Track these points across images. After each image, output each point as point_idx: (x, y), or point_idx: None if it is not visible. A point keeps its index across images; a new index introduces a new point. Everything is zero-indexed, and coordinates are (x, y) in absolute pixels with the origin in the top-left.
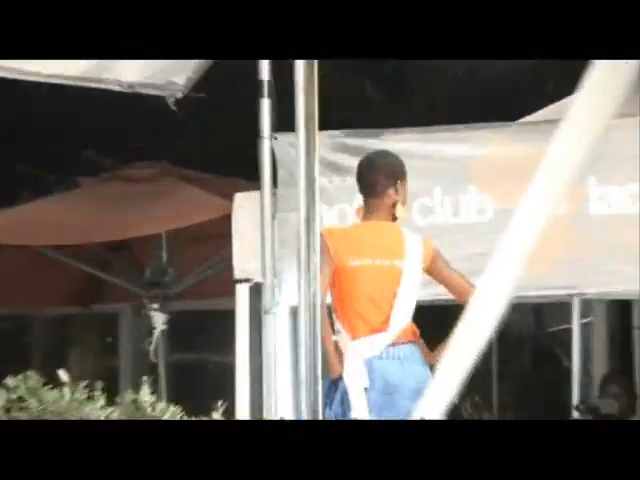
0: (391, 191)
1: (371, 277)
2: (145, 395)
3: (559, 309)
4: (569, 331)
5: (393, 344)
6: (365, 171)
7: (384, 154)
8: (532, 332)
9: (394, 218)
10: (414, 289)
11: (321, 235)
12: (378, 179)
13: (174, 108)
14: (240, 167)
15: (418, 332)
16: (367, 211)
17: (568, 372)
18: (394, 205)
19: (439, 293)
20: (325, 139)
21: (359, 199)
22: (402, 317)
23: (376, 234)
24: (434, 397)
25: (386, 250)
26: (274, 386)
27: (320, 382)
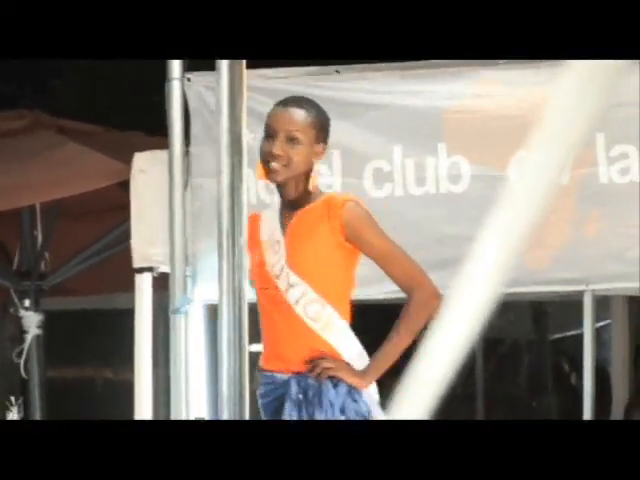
0: None
1: None
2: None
3: (566, 310)
4: (579, 338)
5: None
6: None
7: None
8: (530, 340)
9: None
10: None
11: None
12: None
13: None
14: (140, 118)
15: None
16: None
17: (577, 392)
18: None
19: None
20: (254, 81)
21: None
22: None
23: None
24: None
25: None
26: (185, 400)
27: (246, 400)
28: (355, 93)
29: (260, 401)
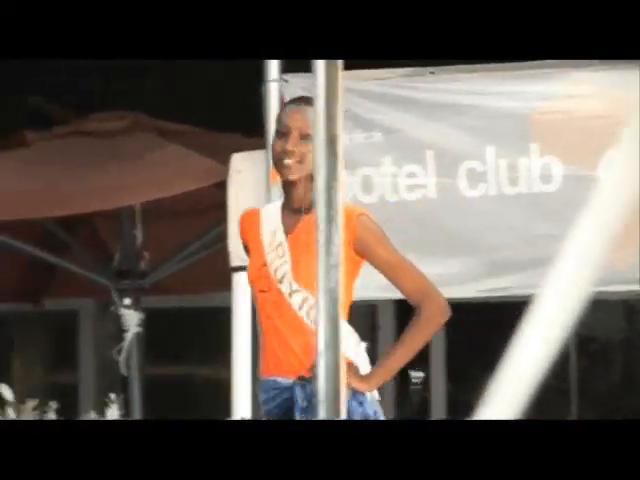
0: None
1: None
2: (113, 418)
3: None
4: None
5: None
6: None
7: None
8: (624, 338)
9: None
10: None
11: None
12: None
13: None
14: (238, 119)
15: None
16: None
17: None
18: None
19: None
20: (350, 82)
21: (389, 161)
22: None
23: None
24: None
25: None
26: None
27: (342, 398)
28: (449, 94)
29: (264, 408)
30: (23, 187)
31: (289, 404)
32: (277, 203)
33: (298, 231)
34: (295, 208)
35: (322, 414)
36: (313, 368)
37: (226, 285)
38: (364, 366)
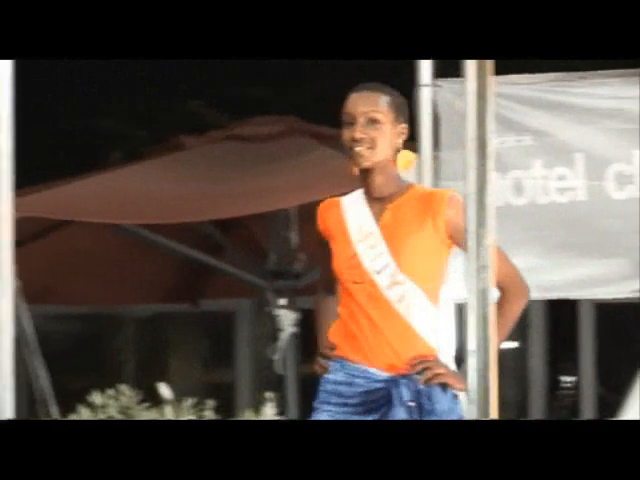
0: None
1: None
2: (269, 416)
3: None
4: None
5: None
6: None
7: None
8: None
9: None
10: None
11: None
12: None
13: None
14: None
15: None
16: None
17: None
18: None
19: None
20: (500, 87)
21: (539, 164)
22: None
23: None
24: None
25: None
26: None
27: (492, 396)
28: (598, 99)
29: (332, 386)
30: (180, 190)
31: (380, 395)
32: (358, 192)
33: (388, 221)
34: (373, 196)
35: (473, 413)
36: (418, 364)
37: None
38: (452, 362)
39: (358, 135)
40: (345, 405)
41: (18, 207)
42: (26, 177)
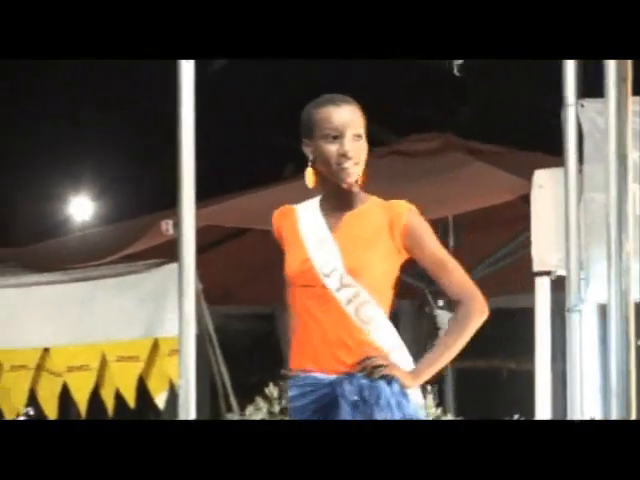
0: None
1: None
2: (429, 407)
3: None
4: None
5: None
6: None
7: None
8: None
9: None
10: None
11: None
12: None
13: (457, 74)
14: (539, 139)
15: None
16: None
17: None
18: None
19: None
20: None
21: None
22: None
23: None
24: None
25: None
26: (580, 395)
27: (633, 396)
28: None
29: (293, 404)
30: None
31: (328, 399)
32: (314, 201)
33: (345, 228)
34: (330, 204)
35: (613, 411)
36: (363, 362)
37: (529, 288)
38: (406, 363)
39: (349, 151)
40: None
41: (200, 217)
42: (206, 189)
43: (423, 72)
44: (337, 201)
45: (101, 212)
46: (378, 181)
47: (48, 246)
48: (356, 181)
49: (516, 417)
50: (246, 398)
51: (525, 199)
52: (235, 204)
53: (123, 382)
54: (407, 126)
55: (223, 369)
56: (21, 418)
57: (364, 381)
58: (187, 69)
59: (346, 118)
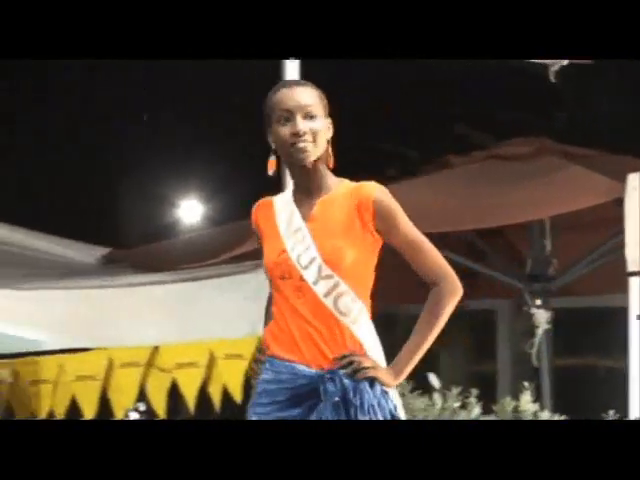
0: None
1: None
2: (526, 403)
3: None
4: None
5: None
6: None
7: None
8: None
9: None
10: None
11: None
12: None
13: (553, 80)
14: (633, 143)
15: None
16: None
17: None
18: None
19: None
20: None
21: None
22: None
23: None
24: None
25: None
26: None
27: None
28: None
29: (262, 386)
30: (447, 203)
31: (304, 390)
32: (288, 192)
33: (316, 216)
34: (303, 192)
35: None
36: (346, 359)
37: (623, 288)
38: (380, 357)
39: (301, 130)
40: (272, 403)
41: None
42: None
43: (520, 76)
44: (307, 189)
45: (209, 214)
46: (476, 184)
47: (158, 247)
48: (317, 163)
49: (611, 414)
50: None
51: (619, 201)
52: None
53: (230, 379)
54: (505, 131)
55: None
56: (131, 413)
57: (347, 381)
58: (292, 68)
59: (297, 98)
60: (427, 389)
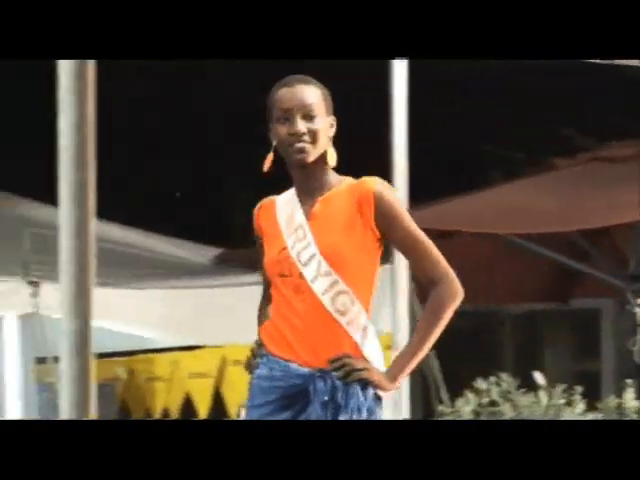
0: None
1: None
2: (630, 400)
3: None
4: None
5: None
6: None
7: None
8: None
9: None
10: None
11: None
12: None
13: None
14: None
15: None
16: None
17: None
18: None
19: None
20: None
21: None
22: None
23: None
24: None
25: None
26: None
27: None
28: None
29: (256, 381)
30: (552, 205)
31: (296, 390)
32: (291, 191)
33: (318, 213)
34: (305, 190)
35: None
36: (339, 361)
37: None
38: (378, 358)
39: (299, 130)
40: (264, 405)
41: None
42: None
43: (623, 79)
44: (308, 187)
45: None
46: (580, 186)
47: None
48: (318, 161)
49: None
50: (456, 390)
51: None
52: (443, 208)
53: None
54: (608, 133)
55: (435, 364)
56: (243, 410)
57: (338, 383)
58: (400, 69)
59: (297, 98)
60: (532, 387)
